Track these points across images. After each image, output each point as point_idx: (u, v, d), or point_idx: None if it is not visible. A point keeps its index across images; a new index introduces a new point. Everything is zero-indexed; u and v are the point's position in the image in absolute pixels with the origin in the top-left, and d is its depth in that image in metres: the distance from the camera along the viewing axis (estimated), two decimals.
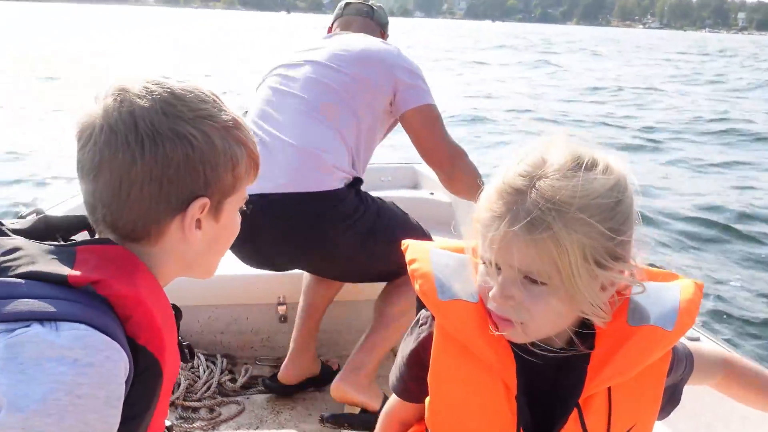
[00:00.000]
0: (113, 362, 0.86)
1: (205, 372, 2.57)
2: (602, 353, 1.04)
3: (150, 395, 0.95)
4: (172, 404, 2.38)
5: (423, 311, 1.19)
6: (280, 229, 2.11)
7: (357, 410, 2.28)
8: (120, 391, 0.87)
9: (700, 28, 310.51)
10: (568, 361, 1.06)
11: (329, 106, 2.18)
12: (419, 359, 1.15)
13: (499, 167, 1.02)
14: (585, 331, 1.06)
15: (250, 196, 1.98)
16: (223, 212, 1.06)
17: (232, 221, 1.11)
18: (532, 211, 0.93)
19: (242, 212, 1.98)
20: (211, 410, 2.42)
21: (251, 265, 2.35)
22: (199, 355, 2.64)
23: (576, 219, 0.93)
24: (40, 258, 0.92)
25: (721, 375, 1.26)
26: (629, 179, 1.01)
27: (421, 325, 1.18)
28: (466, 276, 1.11)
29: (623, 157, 1.02)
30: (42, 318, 0.84)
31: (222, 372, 2.60)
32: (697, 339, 1.86)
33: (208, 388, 2.50)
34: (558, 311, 1.00)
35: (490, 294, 1.02)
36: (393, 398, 1.29)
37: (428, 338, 1.13)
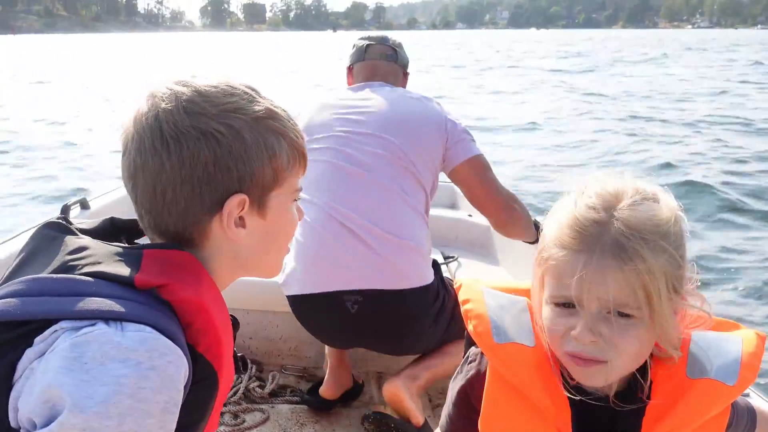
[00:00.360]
0: (175, 367, 0.84)
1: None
2: (659, 405, 1.00)
3: (205, 405, 0.94)
4: None
5: (473, 348, 1.17)
6: (384, 325, 2.15)
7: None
8: (178, 398, 0.86)
9: (752, 25, 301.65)
10: (624, 411, 1.02)
11: (403, 186, 2.16)
12: (466, 397, 1.14)
13: (555, 209, 1.02)
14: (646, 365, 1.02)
15: (352, 291, 2.09)
16: (269, 208, 1.01)
17: (282, 216, 1.04)
18: (621, 242, 0.92)
19: (344, 306, 2.09)
20: (236, 416, 2.39)
21: (327, 344, 2.43)
22: None
23: (659, 246, 0.93)
24: (107, 259, 0.91)
25: None
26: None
27: (470, 362, 1.16)
28: (521, 318, 1.08)
29: (668, 191, 1.03)
30: (108, 317, 0.83)
31: (250, 378, 2.58)
32: (746, 395, 1.74)
33: (235, 393, 2.47)
34: (644, 344, 0.97)
35: (574, 333, 0.96)
36: None
37: (476, 376, 1.12)
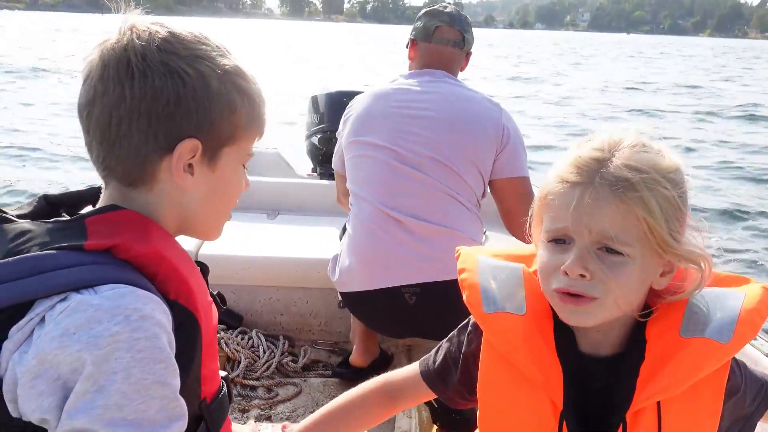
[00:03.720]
0: (161, 312, 0.86)
1: (265, 352, 2.61)
2: (651, 365, 0.98)
3: (192, 347, 0.94)
4: (232, 381, 2.43)
5: (471, 317, 1.17)
6: (441, 314, 2.15)
7: None
8: (173, 339, 0.88)
9: None
10: (618, 372, 1.01)
11: (450, 185, 2.17)
12: (466, 362, 1.14)
13: (564, 153, 1.01)
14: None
15: (411, 285, 2.13)
16: (220, 162, 1.00)
17: (231, 175, 1.03)
18: (620, 175, 0.93)
19: (403, 298, 2.14)
20: (269, 390, 2.46)
21: (383, 334, 2.53)
22: (260, 335, 2.70)
23: (658, 184, 0.93)
24: (52, 234, 0.90)
25: None
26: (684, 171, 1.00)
27: (470, 332, 1.17)
28: (514, 286, 1.08)
29: (679, 153, 1.01)
30: (79, 286, 0.83)
31: (282, 353, 2.63)
32: None
33: (268, 368, 2.54)
34: (632, 284, 0.96)
35: (564, 267, 0.96)
36: (406, 371, 1.26)
37: (476, 350, 1.11)
